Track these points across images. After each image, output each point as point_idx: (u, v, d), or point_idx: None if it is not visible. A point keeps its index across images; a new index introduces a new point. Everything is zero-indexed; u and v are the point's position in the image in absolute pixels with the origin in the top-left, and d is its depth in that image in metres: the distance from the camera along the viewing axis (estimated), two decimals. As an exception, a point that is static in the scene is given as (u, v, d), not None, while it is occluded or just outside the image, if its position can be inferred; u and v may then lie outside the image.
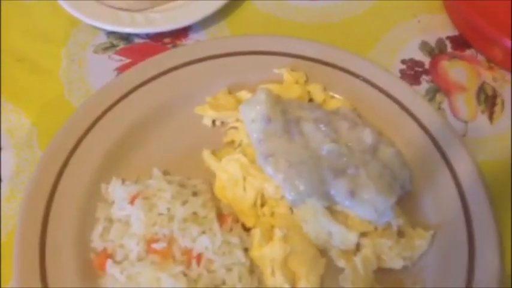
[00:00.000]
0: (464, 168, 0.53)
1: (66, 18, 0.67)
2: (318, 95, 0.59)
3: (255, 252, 0.49)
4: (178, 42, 0.67)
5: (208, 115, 0.57)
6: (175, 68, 0.60)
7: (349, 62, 0.59)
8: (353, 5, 0.70)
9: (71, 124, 0.55)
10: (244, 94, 0.57)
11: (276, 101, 0.54)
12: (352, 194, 0.49)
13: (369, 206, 0.49)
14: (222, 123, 0.58)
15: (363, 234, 0.49)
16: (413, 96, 0.58)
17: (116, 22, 0.65)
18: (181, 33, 0.67)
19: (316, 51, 0.60)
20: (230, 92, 0.58)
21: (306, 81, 0.59)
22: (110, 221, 0.50)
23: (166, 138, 0.56)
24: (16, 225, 0.50)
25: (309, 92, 0.59)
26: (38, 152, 0.56)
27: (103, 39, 0.66)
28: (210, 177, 0.54)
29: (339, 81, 0.58)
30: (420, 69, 0.65)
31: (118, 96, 0.57)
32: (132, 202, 0.49)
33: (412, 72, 0.64)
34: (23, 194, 0.50)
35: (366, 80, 0.58)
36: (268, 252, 0.48)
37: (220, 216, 0.50)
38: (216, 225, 0.48)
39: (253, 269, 0.48)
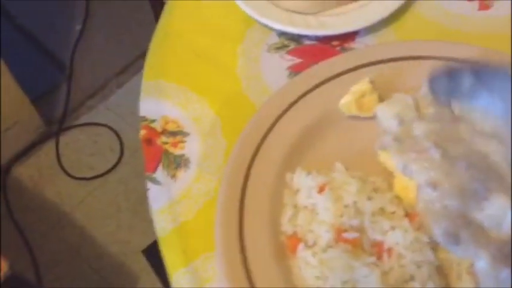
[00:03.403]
0: None
1: (241, 17, 0.71)
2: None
3: (441, 254, 0.49)
4: (346, 45, 0.69)
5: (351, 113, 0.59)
6: (349, 70, 0.61)
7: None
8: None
9: (256, 120, 0.58)
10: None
11: None
12: None
13: None
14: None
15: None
16: None
17: (290, 23, 0.69)
18: (349, 36, 0.69)
19: (498, 60, 0.60)
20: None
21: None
22: (296, 207, 0.53)
23: (343, 135, 0.58)
24: (205, 204, 0.55)
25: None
26: (221, 139, 0.61)
27: (275, 39, 0.70)
28: (387, 176, 0.55)
29: None
30: None
31: (297, 96, 0.60)
32: (320, 191, 0.52)
33: None
34: (221, 180, 0.54)
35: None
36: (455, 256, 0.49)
37: (408, 214, 0.51)
38: (406, 222, 0.49)
39: (442, 269, 0.49)
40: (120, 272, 1.36)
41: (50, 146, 1.56)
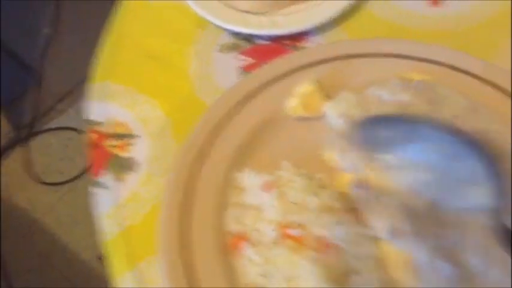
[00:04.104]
0: None
1: (193, 18, 0.71)
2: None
3: (383, 247, 0.50)
4: (298, 44, 0.69)
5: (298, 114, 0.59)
6: (302, 67, 0.62)
7: (477, 67, 0.59)
8: (476, 13, 0.70)
9: (206, 118, 0.58)
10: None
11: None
12: None
13: None
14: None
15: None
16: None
17: (242, 23, 0.69)
18: (301, 36, 0.70)
19: (440, 55, 0.61)
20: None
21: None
22: (243, 206, 0.53)
23: (291, 134, 0.59)
24: (153, 207, 0.55)
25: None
26: (171, 141, 0.60)
27: (228, 39, 0.70)
28: (333, 173, 0.55)
29: (468, 87, 0.59)
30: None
31: (244, 97, 0.60)
32: (266, 190, 0.52)
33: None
34: (164, 180, 0.54)
35: (496, 86, 0.58)
36: (396, 248, 0.49)
37: (352, 209, 0.51)
38: (348, 217, 0.50)
39: (383, 261, 0.49)
40: (91, 278, 1.35)
41: (19, 151, 1.54)
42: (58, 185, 1.48)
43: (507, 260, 0.46)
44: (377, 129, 0.52)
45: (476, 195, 0.48)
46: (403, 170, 0.51)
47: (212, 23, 0.70)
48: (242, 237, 0.51)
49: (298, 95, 0.58)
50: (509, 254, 0.44)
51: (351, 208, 0.51)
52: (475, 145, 0.47)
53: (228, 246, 0.51)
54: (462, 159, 0.47)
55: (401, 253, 0.49)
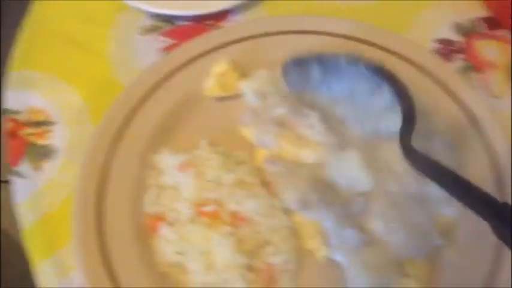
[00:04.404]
0: (499, 140, 0.55)
1: (112, 2, 0.70)
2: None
3: (295, 217, 0.52)
4: (219, 24, 0.70)
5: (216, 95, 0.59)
6: (218, 47, 0.62)
7: (385, 39, 0.61)
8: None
9: (121, 101, 0.58)
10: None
11: None
12: None
13: None
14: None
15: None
16: (450, 72, 0.60)
17: (161, 5, 0.68)
18: (222, 15, 0.70)
19: (352, 30, 0.62)
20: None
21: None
22: (161, 187, 0.54)
23: (209, 114, 0.59)
24: (71, 193, 0.54)
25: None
26: (90, 127, 0.60)
27: (147, 21, 0.70)
28: (251, 150, 0.57)
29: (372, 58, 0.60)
30: (453, 48, 0.67)
31: (164, 75, 0.60)
32: (182, 170, 0.53)
33: (445, 51, 0.66)
34: (79, 165, 0.54)
35: (402, 57, 0.60)
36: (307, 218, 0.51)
37: (265, 183, 0.53)
38: (261, 190, 0.51)
39: (295, 231, 0.51)
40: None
41: None
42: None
43: (410, 226, 0.49)
44: (302, 70, 0.55)
45: (392, 122, 0.51)
46: (332, 106, 0.54)
47: (131, 6, 0.69)
48: (160, 217, 0.52)
49: (214, 75, 0.59)
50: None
51: (265, 182, 0.53)
52: (387, 76, 0.52)
53: (146, 228, 0.52)
54: (379, 91, 0.52)
55: (312, 223, 0.51)
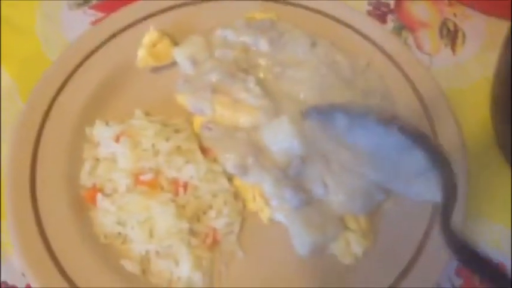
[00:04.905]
0: (431, 94, 0.56)
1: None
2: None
3: (236, 181, 0.51)
4: (151, -5, 0.68)
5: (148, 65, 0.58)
6: (147, 17, 0.61)
7: (320, 2, 0.61)
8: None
9: (50, 74, 0.56)
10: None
11: None
12: None
13: None
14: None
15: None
16: (382, 31, 0.61)
17: (88, -23, 0.66)
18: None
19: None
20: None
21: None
22: (97, 160, 0.52)
23: (144, 84, 0.58)
24: (3, 170, 0.52)
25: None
26: (20, 103, 0.58)
27: (76, -5, 0.67)
28: (189, 117, 0.56)
29: (307, 21, 0.60)
30: (386, 10, 0.68)
31: (93, 47, 0.58)
32: (117, 140, 0.51)
33: (378, 12, 0.67)
34: (9, 141, 0.52)
35: (334, 18, 0.61)
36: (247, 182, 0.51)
37: (204, 149, 0.52)
38: (199, 155, 0.51)
39: (237, 195, 0.51)
40: None
41: None
42: None
43: (351, 188, 0.49)
44: (327, 118, 0.51)
45: (422, 185, 0.48)
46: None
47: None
48: (97, 189, 0.50)
49: (145, 46, 0.58)
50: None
51: (204, 148, 0.52)
52: (421, 139, 0.47)
53: (84, 201, 0.50)
54: (409, 152, 0.47)
55: (253, 186, 0.50)
